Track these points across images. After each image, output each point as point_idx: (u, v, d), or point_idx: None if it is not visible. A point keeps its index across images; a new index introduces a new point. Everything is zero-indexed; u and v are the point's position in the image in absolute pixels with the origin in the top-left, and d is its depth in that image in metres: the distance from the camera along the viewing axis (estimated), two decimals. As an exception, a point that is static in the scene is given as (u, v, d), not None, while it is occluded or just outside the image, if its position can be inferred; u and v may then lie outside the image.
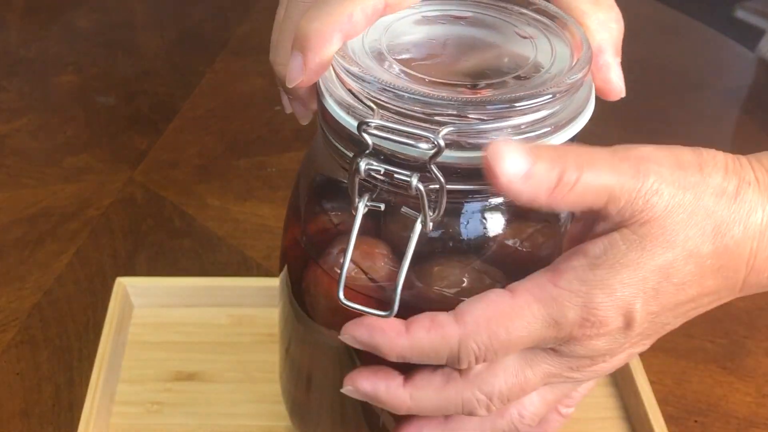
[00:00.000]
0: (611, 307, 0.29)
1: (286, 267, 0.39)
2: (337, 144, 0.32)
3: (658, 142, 0.73)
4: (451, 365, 0.31)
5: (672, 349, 0.53)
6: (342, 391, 0.33)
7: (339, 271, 0.31)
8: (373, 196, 0.31)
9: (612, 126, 0.78)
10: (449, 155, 0.29)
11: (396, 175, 0.29)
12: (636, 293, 0.29)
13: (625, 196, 0.28)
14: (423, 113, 0.29)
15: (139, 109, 0.78)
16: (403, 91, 0.29)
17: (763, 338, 0.55)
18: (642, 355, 0.50)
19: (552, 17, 0.34)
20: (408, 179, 0.29)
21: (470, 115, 0.29)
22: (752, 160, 0.30)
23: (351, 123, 0.30)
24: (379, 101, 0.29)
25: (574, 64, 0.32)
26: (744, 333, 0.55)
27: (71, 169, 0.69)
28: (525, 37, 0.34)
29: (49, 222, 0.62)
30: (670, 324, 0.32)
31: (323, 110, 0.32)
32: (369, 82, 0.29)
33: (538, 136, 0.30)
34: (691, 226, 0.29)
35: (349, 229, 0.30)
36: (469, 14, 0.35)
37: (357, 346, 0.31)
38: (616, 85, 0.35)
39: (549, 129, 0.30)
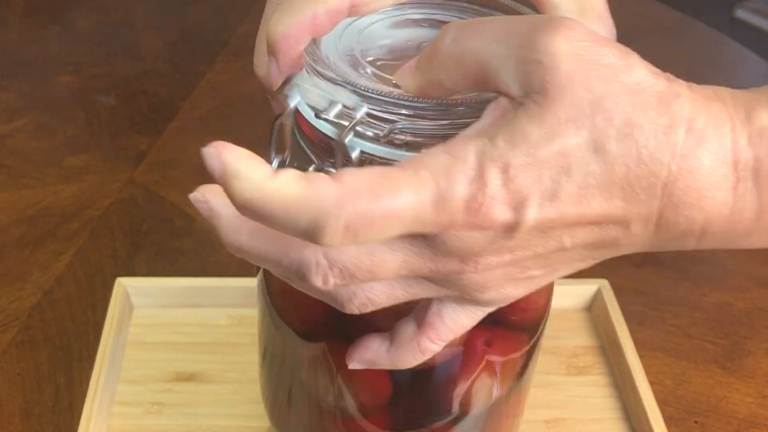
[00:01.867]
0: (503, 190, 0.25)
1: (261, 271, 0.39)
2: (303, 145, 0.32)
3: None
4: (310, 235, 0.25)
5: (672, 349, 0.53)
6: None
7: None
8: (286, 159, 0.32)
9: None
10: (402, 155, 0.29)
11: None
12: (532, 182, 0.25)
13: (513, 59, 0.25)
14: (380, 112, 0.29)
15: (139, 109, 0.78)
16: (362, 90, 0.29)
17: (763, 338, 0.55)
18: (642, 356, 0.50)
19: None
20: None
21: (429, 116, 0.29)
22: (694, 85, 0.27)
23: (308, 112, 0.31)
24: (340, 98, 0.30)
25: None
26: (744, 333, 0.55)
27: (71, 169, 0.69)
28: None
29: (49, 222, 0.62)
30: (567, 251, 0.27)
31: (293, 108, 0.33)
32: (332, 80, 0.30)
33: None
34: (599, 112, 0.25)
35: None
36: (452, 19, 0.35)
37: (213, 167, 0.28)
38: None
39: None
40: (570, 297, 0.54)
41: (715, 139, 0.25)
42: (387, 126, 0.29)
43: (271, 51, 0.31)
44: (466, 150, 0.25)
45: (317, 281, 0.27)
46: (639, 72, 0.26)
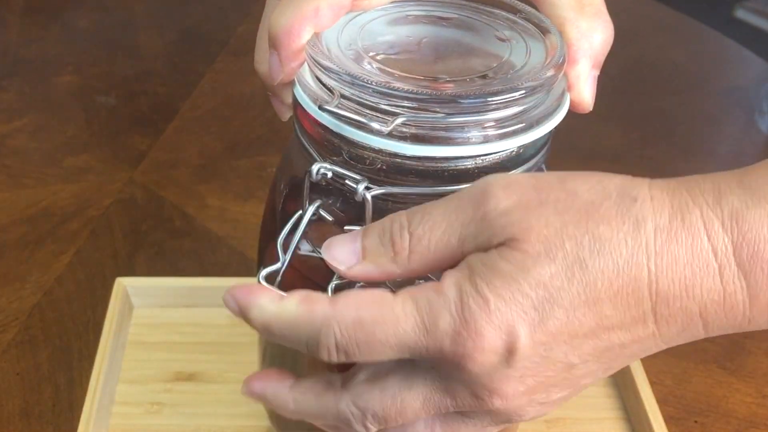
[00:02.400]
0: (487, 323, 0.26)
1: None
2: (305, 142, 0.32)
3: (658, 141, 0.73)
4: (311, 351, 0.28)
5: (672, 349, 0.53)
6: (241, 392, 0.33)
7: (304, 261, 0.32)
8: (328, 203, 0.32)
9: (612, 126, 0.78)
10: (406, 147, 0.29)
11: (346, 180, 0.30)
12: (515, 311, 0.26)
13: (472, 230, 0.28)
14: (384, 104, 0.29)
15: (139, 109, 0.78)
16: (365, 82, 0.29)
17: (763, 338, 0.55)
18: (642, 355, 0.50)
19: (535, 23, 0.34)
20: (355, 186, 0.30)
21: (433, 109, 0.29)
22: (654, 181, 0.28)
23: (315, 109, 0.31)
24: (343, 90, 0.30)
25: (546, 63, 0.31)
26: (744, 333, 0.55)
27: (71, 169, 0.69)
28: (503, 40, 0.34)
29: (49, 222, 0.62)
30: (577, 367, 0.28)
31: (295, 105, 0.32)
32: (335, 72, 0.30)
33: (507, 134, 0.30)
34: (567, 239, 0.26)
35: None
36: (453, 16, 0.35)
37: (231, 309, 0.30)
38: (583, 98, 0.35)
39: (521, 126, 0.31)
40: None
41: (685, 231, 0.26)
42: (391, 119, 0.29)
43: (273, 44, 0.31)
44: (448, 288, 0.27)
45: (361, 429, 0.30)
46: (584, 192, 0.28)
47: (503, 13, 0.35)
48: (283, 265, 0.31)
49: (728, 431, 0.49)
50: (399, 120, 0.29)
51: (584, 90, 0.34)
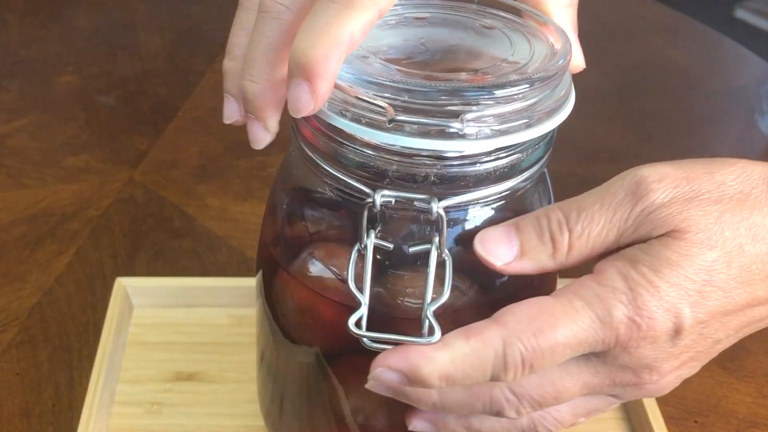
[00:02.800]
0: (658, 308, 0.28)
1: (261, 272, 0.39)
2: (320, 162, 0.32)
3: (658, 142, 0.73)
4: (497, 377, 0.29)
5: (672, 349, 0.53)
6: (367, 386, 0.31)
7: (307, 273, 0.32)
8: (378, 229, 0.31)
9: (612, 126, 0.78)
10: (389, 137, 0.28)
11: (416, 203, 0.29)
12: (681, 295, 0.28)
13: (631, 224, 0.29)
14: (442, 104, 0.28)
15: (139, 109, 0.78)
16: (419, 87, 0.28)
17: (763, 338, 0.55)
18: (642, 355, 0.50)
19: (513, 10, 0.34)
20: (427, 206, 0.29)
21: (484, 102, 0.28)
22: None
23: (371, 133, 0.29)
24: (392, 101, 0.28)
25: (555, 51, 0.32)
26: (744, 333, 0.55)
27: (71, 169, 0.69)
28: (491, 28, 0.34)
29: (49, 222, 0.62)
30: (722, 341, 0.31)
31: (314, 130, 0.31)
32: (382, 84, 0.28)
33: (520, 126, 0.30)
34: (726, 228, 0.29)
35: (344, 258, 0.31)
36: (426, 15, 0.35)
37: (391, 381, 0.29)
38: (576, 60, 0.35)
39: (537, 116, 0.30)
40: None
41: None
42: (457, 118, 0.28)
43: (305, 74, 0.28)
44: (612, 278, 0.29)
45: (511, 414, 0.31)
46: (732, 181, 0.29)
47: (497, 12, 0.35)
48: (365, 306, 0.29)
49: (728, 431, 0.49)
50: (470, 116, 0.28)
51: (575, 53, 0.35)
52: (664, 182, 0.29)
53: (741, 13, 1.73)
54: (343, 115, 0.29)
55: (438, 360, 0.29)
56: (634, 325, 0.28)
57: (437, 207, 0.29)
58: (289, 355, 0.38)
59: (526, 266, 0.30)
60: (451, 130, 0.28)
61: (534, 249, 0.30)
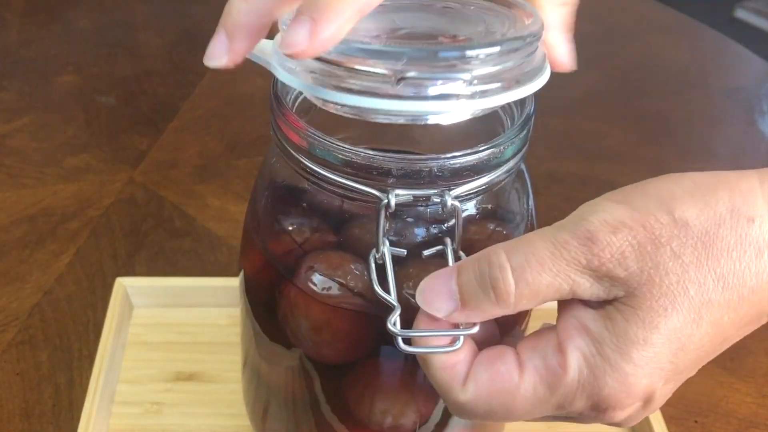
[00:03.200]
0: (627, 396, 0.27)
1: (242, 273, 0.38)
2: (285, 145, 0.32)
3: (658, 141, 0.73)
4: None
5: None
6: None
7: (314, 288, 0.32)
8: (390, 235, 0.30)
9: (612, 126, 0.78)
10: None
11: (433, 197, 0.29)
12: (651, 373, 0.27)
13: (586, 280, 0.27)
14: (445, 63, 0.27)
15: (139, 109, 0.78)
16: (419, 50, 0.27)
17: (763, 338, 0.55)
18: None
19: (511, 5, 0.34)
20: (442, 199, 0.29)
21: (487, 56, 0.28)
22: (763, 185, 0.26)
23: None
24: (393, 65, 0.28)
25: (527, 24, 0.31)
26: (744, 333, 0.55)
27: (71, 169, 0.69)
28: (462, 9, 0.33)
29: (49, 222, 0.62)
30: (695, 370, 0.29)
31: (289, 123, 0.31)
32: (382, 51, 0.28)
33: (494, 90, 0.29)
34: (690, 284, 0.26)
35: (319, 246, 0.31)
36: (423, 4, 0.34)
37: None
38: (563, 58, 0.34)
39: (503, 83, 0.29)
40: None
41: None
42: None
43: (316, 15, 0.27)
44: (576, 364, 0.27)
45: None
46: (695, 220, 0.26)
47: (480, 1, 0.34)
48: (398, 308, 0.29)
49: (728, 431, 0.49)
50: (476, 72, 0.28)
51: (562, 52, 0.34)
52: (619, 235, 0.26)
53: (741, 13, 1.73)
54: (343, 89, 0.29)
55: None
56: (599, 408, 0.28)
57: (451, 199, 0.29)
58: (274, 357, 0.38)
59: (471, 316, 0.28)
60: (457, 82, 0.27)
61: (474, 297, 0.27)
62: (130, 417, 0.47)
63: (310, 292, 0.33)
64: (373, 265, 0.30)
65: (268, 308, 0.36)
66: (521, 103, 0.33)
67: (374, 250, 0.30)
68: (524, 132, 0.31)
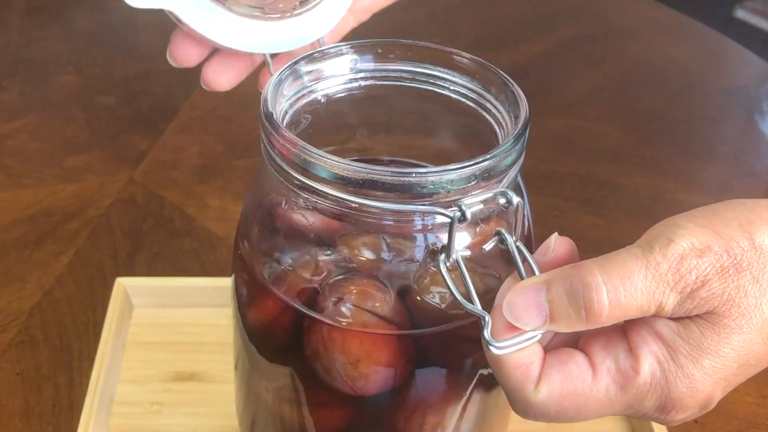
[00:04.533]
0: (691, 398, 0.29)
1: (234, 280, 0.38)
2: (276, 159, 0.31)
3: (658, 141, 0.73)
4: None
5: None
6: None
7: (342, 321, 0.31)
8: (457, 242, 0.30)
9: (612, 126, 0.78)
10: None
11: (500, 198, 0.30)
12: (716, 382, 0.29)
13: (672, 300, 0.28)
14: None
15: (139, 109, 0.78)
16: None
17: (763, 338, 0.55)
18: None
19: None
20: (509, 197, 0.30)
21: None
22: None
23: None
24: None
25: None
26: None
27: (71, 169, 0.69)
28: None
29: (49, 222, 0.62)
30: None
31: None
32: None
33: None
34: (764, 307, 0.28)
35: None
36: None
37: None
38: None
39: None
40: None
41: None
42: None
43: None
44: (650, 367, 0.29)
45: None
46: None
47: None
48: (488, 317, 0.29)
49: (728, 431, 0.49)
50: None
51: None
52: (705, 258, 0.28)
53: (741, 13, 1.73)
54: None
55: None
56: (665, 409, 0.29)
57: (516, 198, 0.30)
58: (264, 370, 0.37)
59: (556, 329, 0.29)
60: None
61: (565, 316, 0.28)
62: (130, 417, 0.47)
63: (345, 326, 0.32)
64: (447, 277, 0.30)
65: (287, 349, 0.35)
66: (515, 114, 0.33)
67: (443, 257, 0.30)
68: (520, 143, 0.32)
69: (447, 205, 0.29)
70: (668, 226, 0.29)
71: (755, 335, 0.28)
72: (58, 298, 0.56)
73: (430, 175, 0.29)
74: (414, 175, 0.29)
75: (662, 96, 0.83)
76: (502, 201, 0.30)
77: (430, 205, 0.29)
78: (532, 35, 0.91)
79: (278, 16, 0.38)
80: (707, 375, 0.29)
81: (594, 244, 0.60)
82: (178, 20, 0.38)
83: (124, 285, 0.53)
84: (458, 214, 0.29)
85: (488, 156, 0.30)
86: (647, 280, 0.28)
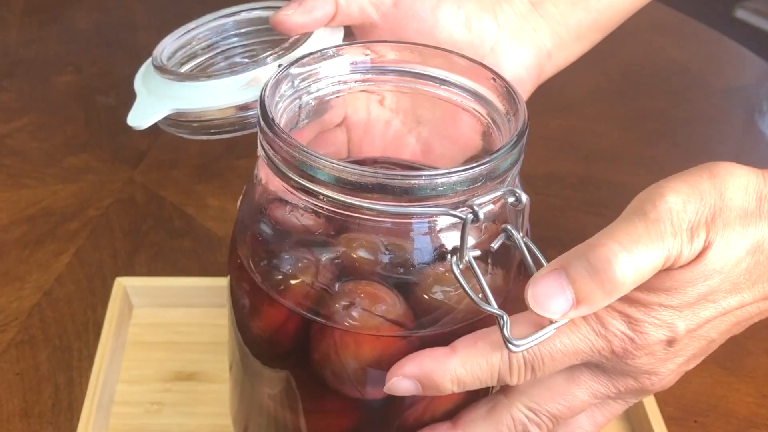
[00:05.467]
0: (651, 324, 0.30)
1: (231, 289, 0.37)
2: (277, 163, 0.31)
3: (658, 141, 0.73)
4: (503, 378, 0.31)
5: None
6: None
7: (354, 324, 0.32)
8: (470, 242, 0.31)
9: (612, 126, 0.78)
10: None
11: (509, 197, 0.30)
12: (675, 313, 0.30)
13: (683, 249, 0.30)
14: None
15: (139, 109, 0.77)
16: None
17: (763, 338, 0.55)
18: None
19: None
20: (519, 195, 0.30)
21: None
22: None
23: None
24: None
25: None
26: (744, 333, 0.55)
27: (71, 169, 0.69)
28: None
29: (49, 222, 0.62)
30: (716, 340, 0.33)
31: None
32: None
33: None
34: (730, 255, 0.30)
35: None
36: None
37: (407, 389, 0.31)
38: None
39: None
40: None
41: None
42: None
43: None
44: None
45: (535, 430, 0.33)
46: (735, 197, 0.31)
47: None
48: (506, 316, 0.30)
49: (728, 431, 0.49)
50: None
51: None
52: (689, 205, 0.30)
53: (741, 13, 1.73)
54: None
55: (449, 364, 0.30)
56: (627, 338, 0.30)
57: (524, 195, 0.30)
58: (263, 376, 0.37)
59: (581, 312, 0.30)
60: None
61: (590, 294, 0.29)
62: (129, 417, 0.47)
63: (358, 329, 0.32)
64: (461, 281, 0.30)
65: (289, 356, 0.35)
66: (514, 111, 0.33)
67: (455, 258, 0.30)
68: (521, 144, 0.32)
69: (453, 207, 0.29)
70: (650, 190, 0.30)
71: (720, 276, 0.30)
72: (58, 297, 0.56)
73: (439, 177, 0.29)
74: (423, 178, 0.29)
75: (662, 96, 0.83)
76: (512, 199, 0.30)
77: (435, 206, 0.29)
78: (532, 35, 0.91)
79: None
80: (666, 307, 0.30)
81: (594, 244, 0.60)
82: (180, 115, 0.39)
83: (123, 285, 0.53)
84: (470, 215, 0.29)
85: (493, 156, 0.30)
86: (654, 238, 0.29)
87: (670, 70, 0.87)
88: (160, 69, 0.43)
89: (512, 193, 0.30)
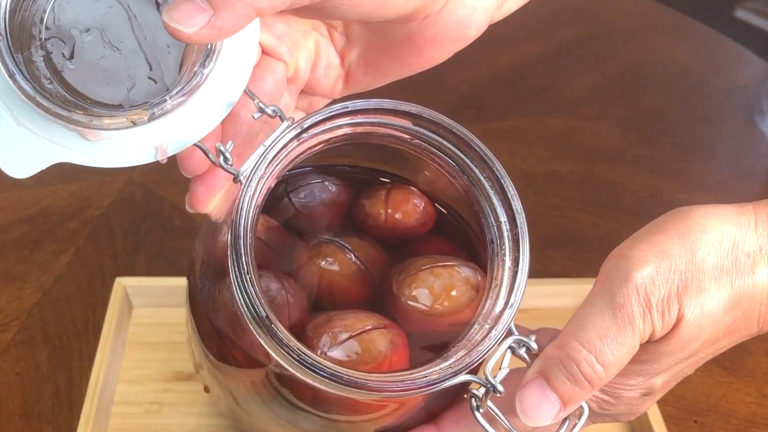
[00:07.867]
0: (629, 390, 0.33)
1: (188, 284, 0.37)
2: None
3: (658, 141, 0.73)
4: None
5: (672, 349, 0.53)
6: None
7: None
8: None
9: (612, 126, 0.78)
10: None
11: (519, 350, 0.33)
12: (653, 376, 0.33)
13: (654, 326, 0.30)
14: None
15: (138, 109, 0.77)
16: None
17: (763, 338, 0.54)
18: (642, 355, 0.50)
19: None
20: (527, 345, 0.33)
21: None
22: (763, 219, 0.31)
23: None
24: None
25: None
26: (744, 333, 0.55)
27: (71, 169, 0.68)
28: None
29: (49, 222, 0.62)
30: (691, 372, 0.34)
31: None
32: None
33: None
34: (705, 324, 0.31)
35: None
36: None
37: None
38: None
39: None
40: (568, 296, 0.54)
41: None
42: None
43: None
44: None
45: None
46: (708, 256, 0.31)
47: None
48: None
49: (728, 431, 0.49)
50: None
51: None
52: (657, 281, 0.30)
53: (741, 13, 1.73)
54: None
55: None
56: (603, 401, 0.33)
57: (534, 344, 0.33)
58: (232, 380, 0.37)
59: (571, 410, 0.31)
60: None
61: (575, 396, 0.31)
62: (129, 417, 0.47)
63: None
64: (487, 425, 0.32)
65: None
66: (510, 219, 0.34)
67: (475, 404, 0.32)
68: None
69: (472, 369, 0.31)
70: (617, 262, 0.31)
71: (697, 343, 0.31)
72: (58, 297, 0.56)
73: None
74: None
75: (662, 96, 0.83)
76: (521, 351, 0.32)
77: (466, 374, 0.31)
78: (532, 35, 0.91)
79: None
80: (650, 375, 0.33)
81: (594, 244, 0.60)
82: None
83: (123, 285, 0.53)
84: (490, 385, 0.31)
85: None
86: (622, 327, 0.30)
87: (670, 70, 0.87)
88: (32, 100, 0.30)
89: (523, 344, 0.32)
